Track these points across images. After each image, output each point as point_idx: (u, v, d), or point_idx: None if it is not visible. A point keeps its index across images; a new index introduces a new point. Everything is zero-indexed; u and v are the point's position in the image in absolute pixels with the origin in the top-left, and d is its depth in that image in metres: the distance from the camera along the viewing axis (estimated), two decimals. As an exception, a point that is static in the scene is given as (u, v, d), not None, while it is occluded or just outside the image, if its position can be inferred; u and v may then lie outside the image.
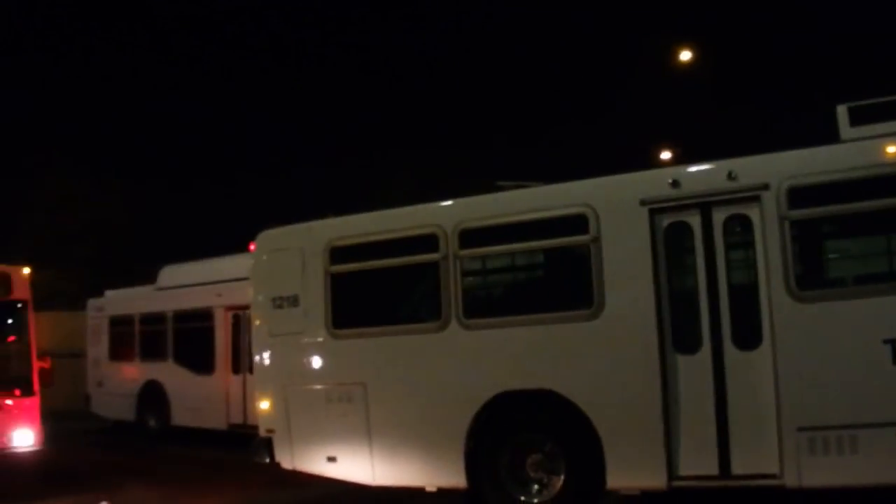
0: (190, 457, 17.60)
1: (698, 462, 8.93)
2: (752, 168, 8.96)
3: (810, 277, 8.88)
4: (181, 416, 20.02)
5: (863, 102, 9.01)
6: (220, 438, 18.58)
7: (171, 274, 20.93)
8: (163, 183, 33.37)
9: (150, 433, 20.49)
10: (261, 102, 36.43)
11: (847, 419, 8.44)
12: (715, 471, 8.86)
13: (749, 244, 8.94)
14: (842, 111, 9.04)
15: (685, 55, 22.70)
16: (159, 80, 37.76)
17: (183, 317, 20.26)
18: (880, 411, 8.34)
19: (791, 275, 8.65)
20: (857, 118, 8.95)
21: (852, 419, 8.42)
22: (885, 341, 8.27)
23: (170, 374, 20.33)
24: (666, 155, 24.93)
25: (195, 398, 19.51)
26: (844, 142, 8.97)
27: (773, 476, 8.65)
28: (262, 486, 12.61)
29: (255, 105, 36.24)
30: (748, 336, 8.84)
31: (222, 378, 18.98)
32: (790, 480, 8.58)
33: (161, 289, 21.01)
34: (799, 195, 8.72)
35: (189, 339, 20.05)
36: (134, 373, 21.27)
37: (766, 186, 8.80)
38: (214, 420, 19.05)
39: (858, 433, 8.40)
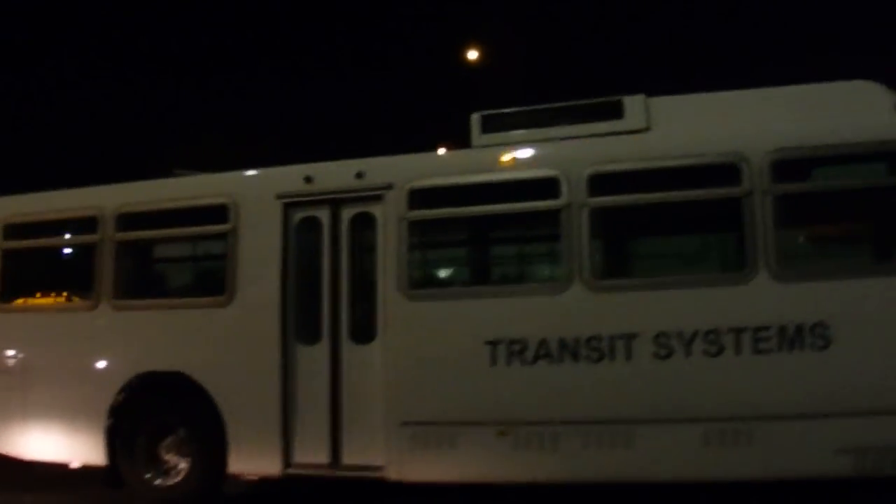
0: None
1: (312, 451, 8.95)
2: (379, 168, 9.03)
3: (421, 276, 8.99)
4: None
5: (494, 111, 9.12)
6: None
7: None
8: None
9: None
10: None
11: (448, 416, 8.57)
12: (326, 460, 8.93)
13: (372, 242, 8.97)
14: (475, 119, 9.14)
15: (472, 54, 22.81)
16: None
17: None
18: (479, 410, 8.50)
19: (404, 273, 8.73)
20: (488, 126, 9.08)
21: (452, 417, 8.56)
22: (487, 342, 8.44)
23: None
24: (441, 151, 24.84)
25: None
26: (475, 148, 9.11)
27: (378, 468, 8.73)
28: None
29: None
30: (364, 331, 8.90)
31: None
32: (393, 473, 8.67)
33: None
34: (418, 197, 8.81)
35: None
36: None
37: (390, 186, 8.86)
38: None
39: (458, 430, 8.56)
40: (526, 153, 8.73)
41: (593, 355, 8.24)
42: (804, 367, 7.95)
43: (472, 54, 22.79)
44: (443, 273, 9.50)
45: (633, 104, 8.76)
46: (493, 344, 8.42)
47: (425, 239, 9.14)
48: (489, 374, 8.44)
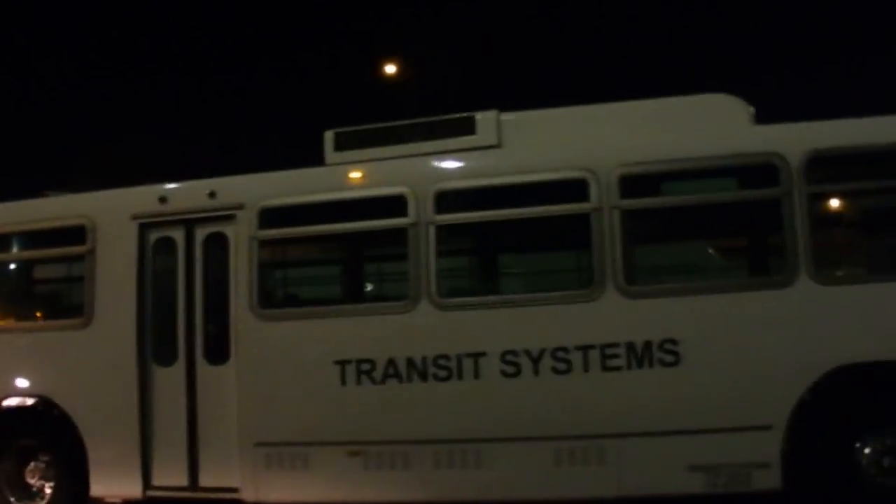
0: None
1: (171, 473, 8.83)
2: (231, 187, 8.89)
3: (271, 296, 8.82)
4: None
5: (347, 129, 8.96)
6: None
7: None
8: None
9: None
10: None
11: (300, 437, 8.47)
12: (185, 482, 8.80)
13: (225, 262, 8.82)
14: (328, 136, 8.97)
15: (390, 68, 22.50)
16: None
17: None
18: (330, 431, 8.40)
19: (255, 293, 8.60)
20: (341, 143, 8.91)
21: (304, 437, 8.46)
22: (336, 362, 8.32)
23: None
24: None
25: None
26: (328, 166, 8.96)
27: (234, 490, 8.63)
28: None
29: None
30: (218, 351, 8.77)
31: None
32: (249, 495, 8.57)
33: None
34: (268, 216, 8.67)
35: None
36: None
37: (241, 206, 8.72)
38: None
39: (310, 451, 8.44)
40: (375, 171, 8.60)
41: (441, 374, 8.12)
42: (654, 383, 7.84)
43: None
44: (293, 293, 9.33)
45: (485, 120, 8.60)
46: (343, 364, 8.30)
47: (276, 258, 9.02)
48: (339, 394, 8.33)
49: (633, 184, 8.04)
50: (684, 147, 8.09)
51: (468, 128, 8.59)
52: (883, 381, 7.60)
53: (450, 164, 8.46)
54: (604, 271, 7.91)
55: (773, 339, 7.71)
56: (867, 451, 7.66)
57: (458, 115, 8.66)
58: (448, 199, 8.27)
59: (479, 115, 8.61)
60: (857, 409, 7.69)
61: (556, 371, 7.93)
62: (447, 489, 8.17)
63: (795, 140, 7.89)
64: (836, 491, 7.59)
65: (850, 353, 7.59)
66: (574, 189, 8.07)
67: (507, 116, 8.61)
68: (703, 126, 8.20)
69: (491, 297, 8.45)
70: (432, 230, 8.21)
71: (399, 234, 8.38)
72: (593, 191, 7.98)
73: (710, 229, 8.56)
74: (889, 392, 7.65)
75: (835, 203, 8.15)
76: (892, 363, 7.54)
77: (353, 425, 8.33)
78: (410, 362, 8.16)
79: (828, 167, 7.87)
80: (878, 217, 8.37)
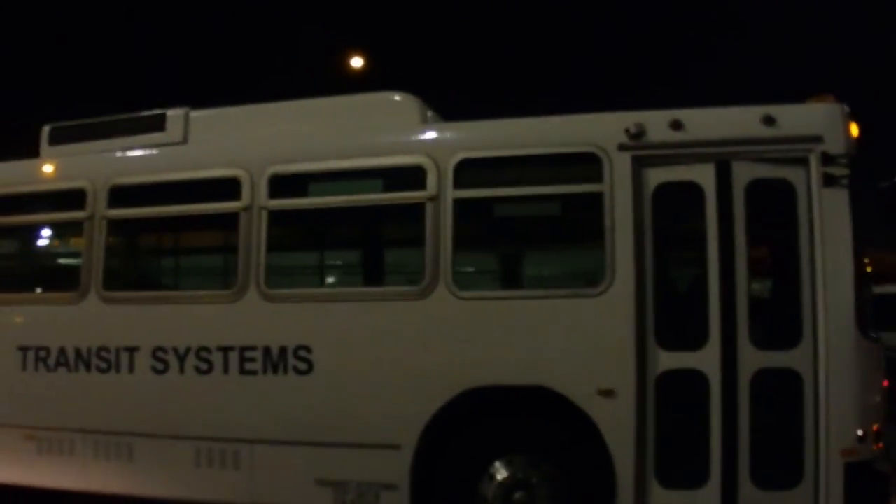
0: None
1: None
2: None
3: None
4: None
5: (61, 124, 8.98)
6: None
7: None
8: None
9: None
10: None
11: None
12: None
13: None
14: (45, 130, 9.00)
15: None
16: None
17: None
18: (11, 414, 8.45)
19: None
20: (54, 138, 8.93)
21: None
22: (19, 348, 8.41)
23: None
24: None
25: None
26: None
27: None
28: None
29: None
30: None
31: None
32: None
33: None
34: None
35: None
36: None
37: None
38: None
39: None
40: (64, 165, 8.61)
41: (102, 366, 8.09)
42: (286, 391, 7.54)
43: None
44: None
45: (175, 117, 8.46)
46: (24, 350, 8.39)
47: None
48: (20, 378, 8.40)
49: (282, 184, 7.70)
50: (339, 146, 7.70)
51: (159, 125, 8.47)
52: (518, 407, 7.03)
53: (131, 159, 8.36)
54: (248, 273, 7.62)
55: (406, 354, 7.25)
56: (497, 481, 7.07)
57: (150, 113, 8.56)
58: (120, 195, 8.20)
59: (169, 113, 8.48)
60: (490, 436, 7.11)
61: (198, 370, 7.74)
62: (104, 480, 8.11)
63: (439, 141, 7.35)
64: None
65: (484, 374, 7.05)
66: (232, 187, 7.82)
67: (196, 114, 8.43)
68: (369, 125, 7.77)
69: (148, 293, 8.32)
70: (104, 224, 8.18)
71: (78, 227, 8.38)
72: (245, 190, 7.72)
73: (360, 234, 8.07)
74: (523, 419, 7.06)
75: (484, 210, 7.47)
76: (528, 388, 6.93)
77: (30, 410, 8.38)
78: (78, 352, 8.16)
79: (478, 171, 7.28)
80: (527, 227, 7.65)
